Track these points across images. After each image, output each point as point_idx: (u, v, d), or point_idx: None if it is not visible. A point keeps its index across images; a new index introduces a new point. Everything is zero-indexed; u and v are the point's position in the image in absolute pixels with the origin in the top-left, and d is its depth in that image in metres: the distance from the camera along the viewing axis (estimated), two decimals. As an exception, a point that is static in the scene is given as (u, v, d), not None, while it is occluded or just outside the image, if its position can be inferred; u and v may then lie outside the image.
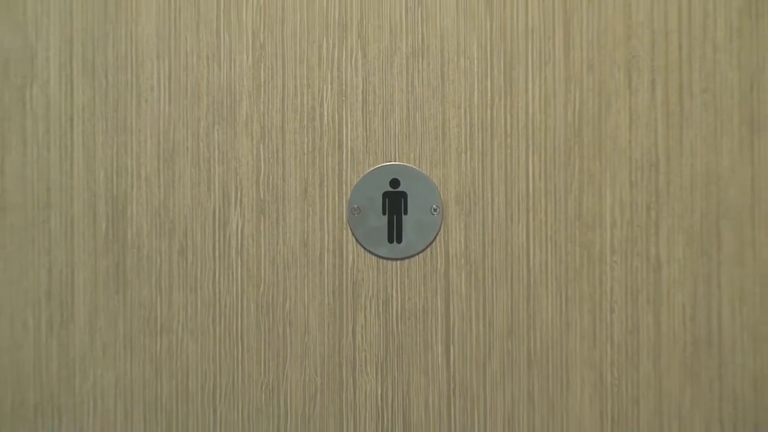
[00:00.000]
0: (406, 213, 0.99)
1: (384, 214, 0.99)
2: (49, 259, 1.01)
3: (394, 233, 0.99)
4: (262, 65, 0.99)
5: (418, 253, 0.99)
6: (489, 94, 0.99)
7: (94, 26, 1.00)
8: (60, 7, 1.01)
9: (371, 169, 0.99)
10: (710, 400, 0.99)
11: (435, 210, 0.99)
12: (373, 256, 0.99)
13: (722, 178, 0.98)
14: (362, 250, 0.99)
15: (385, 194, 0.99)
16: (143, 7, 1.00)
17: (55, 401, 1.01)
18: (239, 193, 0.99)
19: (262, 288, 0.99)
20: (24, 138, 1.00)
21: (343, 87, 0.99)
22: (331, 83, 0.99)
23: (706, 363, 0.99)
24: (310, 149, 0.99)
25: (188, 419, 1.01)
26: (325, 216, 0.99)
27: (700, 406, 0.99)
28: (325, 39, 0.99)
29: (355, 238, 0.99)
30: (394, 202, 0.99)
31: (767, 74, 0.98)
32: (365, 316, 0.99)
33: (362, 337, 0.99)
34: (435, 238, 0.99)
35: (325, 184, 0.99)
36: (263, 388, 1.00)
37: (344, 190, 0.99)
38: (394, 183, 0.99)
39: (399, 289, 0.99)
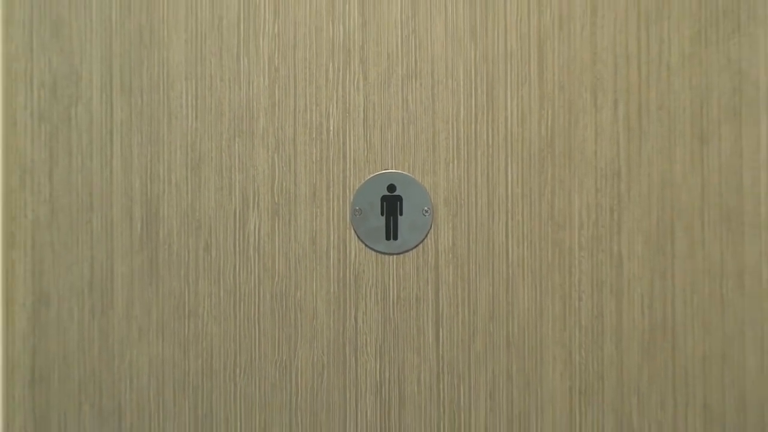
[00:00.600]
0: (401, 214, 1.14)
1: (382, 215, 1.14)
2: (92, 255, 1.16)
3: (391, 232, 1.14)
4: (277, 86, 1.14)
5: (411, 249, 1.14)
6: (473, 111, 1.13)
7: (131, 52, 1.15)
8: (101, 35, 1.16)
9: (371, 176, 1.13)
10: (665, 378, 1.13)
11: (426, 211, 1.13)
12: (373, 252, 1.14)
13: (675, 184, 1.13)
14: (363, 246, 1.14)
15: (383, 198, 1.13)
16: (173, 36, 1.15)
17: (97, 378, 1.16)
18: (256, 197, 1.14)
19: (276, 279, 1.14)
20: (70, 149, 1.15)
21: (347, 105, 1.14)
22: (336, 101, 1.14)
23: (661, 345, 1.13)
24: (318, 159, 1.14)
25: (212, 393, 1.15)
26: (331, 217, 1.14)
27: (656, 383, 1.13)
28: (331, 63, 1.14)
29: (357, 236, 1.14)
30: (391, 205, 1.14)
31: (714, 94, 1.13)
32: (366, 304, 1.14)
33: (363, 322, 1.14)
34: (426, 235, 1.14)
35: (331, 189, 1.14)
36: (277, 365, 1.15)
37: (347, 194, 1.14)
38: (391, 188, 1.13)
39: (395, 280, 1.14)
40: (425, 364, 1.14)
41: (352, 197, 1.13)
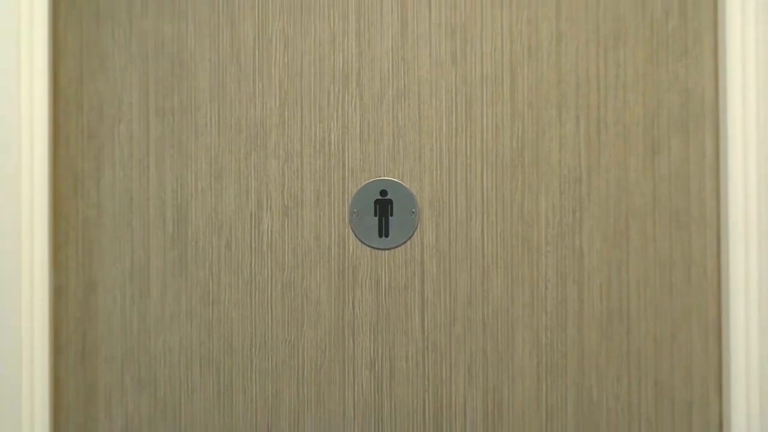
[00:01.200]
0: (392, 215, 1.32)
1: (375, 215, 1.33)
2: (132, 250, 1.37)
3: (383, 230, 1.32)
4: (286, 107, 1.34)
5: (400, 245, 1.33)
6: (454, 126, 1.32)
7: (164, 80, 1.36)
8: (139, 65, 1.37)
9: (366, 182, 1.33)
10: (620, 357, 1.30)
11: (413, 213, 1.32)
12: (368, 247, 1.33)
13: (630, 189, 1.30)
14: (360, 242, 1.33)
15: (377, 201, 1.32)
16: (199, 65, 1.36)
17: (135, 356, 1.37)
18: (269, 201, 1.34)
19: (285, 271, 1.34)
20: (113, 162, 1.37)
21: (346, 122, 1.33)
22: (337, 119, 1.33)
23: (617, 329, 1.30)
24: (321, 168, 1.33)
25: (232, 369, 1.36)
26: (332, 217, 1.33)
27: (613, 361, 1.30)
28: (332, 86, 1.34)
29: (354, 234, 1.33)
30: (383, 207, 1.33)
31: (664, 110, 1.30)
32: (361, 292, 1.33)
33: (359, 308, 1.33)
34: (413, 233, 1.32)
35: (332, 193, 1.33)
36: (287, 344, 1.34)
37: (346, 198, 1.33)
38: (383, 193, 1.32)
39: (386, 272, 1.32)
40: (412, 344, 1.32)
41: (350, 201, 1.33)
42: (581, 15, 1.31)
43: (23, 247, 1.31)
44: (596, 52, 1.31)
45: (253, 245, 1.34)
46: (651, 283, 1.29)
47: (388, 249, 1.32)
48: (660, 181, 1.29)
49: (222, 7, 1.36)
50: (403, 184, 1.32)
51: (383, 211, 1.33)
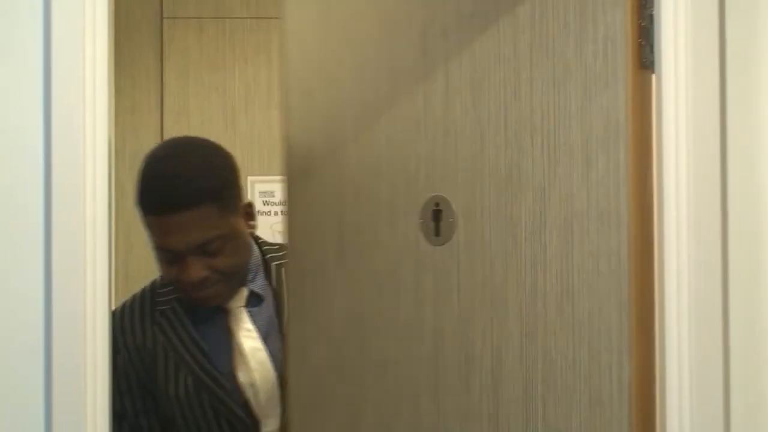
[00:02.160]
0: (441, 220, 1.91)
1: (432, 221, 1.92)
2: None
3: (437, 231, 1.92)
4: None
5: (447, 242, 1.90)
6: (472, 156, 1.85)
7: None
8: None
9: (426, 198, 1.94)
10: (568, 326, 1.68)
11: (452, 220, 1.88)
12: (430, 244, 1.93)
13: (573, 195, 1.67)
14: (425, 240, 1.94)
15: (433, 211, 1.92)
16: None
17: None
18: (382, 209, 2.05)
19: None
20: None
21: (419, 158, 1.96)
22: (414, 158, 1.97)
23: (566, 305, 1.68)
24: (406, 190, 1.99)
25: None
26: (410, 223, 1.98)
27: (563, 329, 1.68)
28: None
29: (422, 235, 1.95)
30: (437, 215, 1.92)
31: (595, 133, 1.64)
32: (426, 272, 1.94)
33: (426, 282, 1.94)
34: (454, 234, 1.89)
35: (412, 206, 1.98)
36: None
37: (417, 210, 1.96)
38: (437, 204, 1.91)
39: (440, 260, 1.91)
40: (453, 307, 1.89)
41: (419, 213, 1.96)
42: (545, 62, 1.73)
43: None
44: (553, 90, 1.71)
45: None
46: (586, 269, 1.65)
47: (441, 245, 1.91)
48: (592, 189, 1.64)
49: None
50: (448, 199, 1.90)
51: (436, 218, 1.91)
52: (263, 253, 2.05)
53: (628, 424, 1.57)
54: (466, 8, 1.84)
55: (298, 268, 2.07)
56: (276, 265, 2.04)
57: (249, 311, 1.96)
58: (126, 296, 2.71)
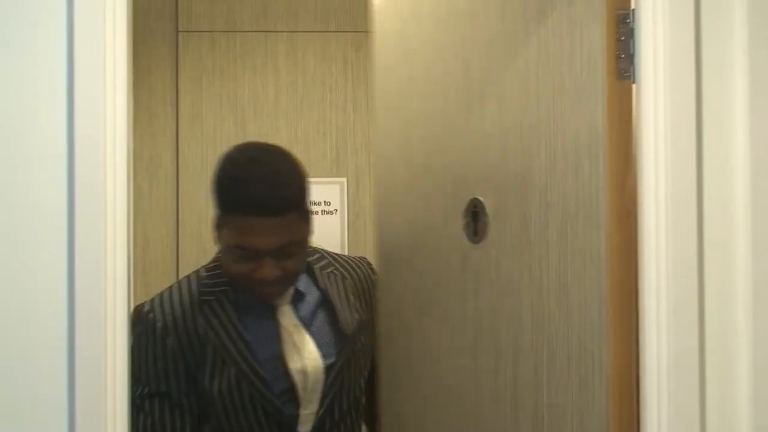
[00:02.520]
0: (478, 220, 2.03)
1: (472, 221, 2.05)
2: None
3: (476, 230, 2.04)
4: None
5: (483, 240, 2.04)
6: (496, 166, 1.97)
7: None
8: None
9: (467, 200, 2.06)
10: (563, 305, 1.80)
11: (486, 221, 2.00)
12: (470, 242, 2.07)
13: (567, 195, 1.80)
14: (466, 237, 2.07)
15: (472, 212, 2.05)
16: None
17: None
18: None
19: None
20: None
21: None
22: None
23: (562, 292, 1.80)
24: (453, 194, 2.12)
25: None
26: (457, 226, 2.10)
27: (561, 306, 1.80)
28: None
29: (465, 234, 2.07)
30: (475, 216, 2.04)
31: (583, 140, 1.76)
32: (469, 264, 2.09)
33: (469, 271, 2.07)
34: (488, 232, 2.01)
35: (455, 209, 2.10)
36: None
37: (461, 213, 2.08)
38: (475, 206, 2.03)
39: (478, 257, 2.05)
40: (489, 289, 2.05)
41: (462, 215, 2.09)
42: (547, 76, 1.86)
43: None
44: (553, 101, 1.84)
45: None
46: (576, 265, 1.79)
47: (477, 244, 2.07)
48: (579, 191, 1.77)
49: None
50: (483, 201, 2.03)
51: (474, 218, 2.05)
52: None
53: (606, 407, 1.69)
54: (498, 49, 2.06)
55: (385, 269, 2.41)
56: (318, 268, 2.19)
57: (293, 307, 2.10)
58: (144, 288, 2.87)
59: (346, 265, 2.26)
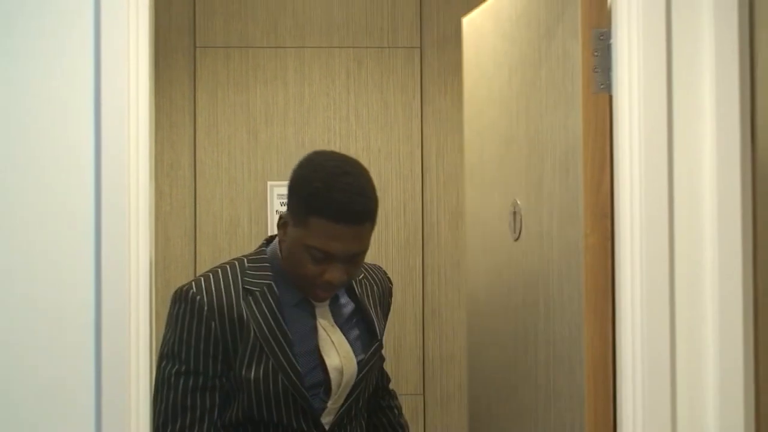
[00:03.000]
0: (516, 220, 2.21)
1: (513, 220, 2.23)
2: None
3: (515, 228, 2.23)
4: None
5: (517, 239, 2.23)
6: (518, 175, 2.13)
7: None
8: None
9: (511, 200, 2.24)
10: (563, 289, 1.96)
11: (521, 220, 2.16)
12: (512, 239, 2.27)
13: (560, 193, 1.94)
14: (510, 232, 2.26)
15: (512, 213, 2.23)
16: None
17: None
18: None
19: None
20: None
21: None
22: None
23: (555, 277, 1.95)
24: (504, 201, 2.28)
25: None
26: (504, 224, 2.26)
27: (564, 291, 1.96)
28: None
29: (509, 231, 2.26)
30: (514, 215, 2.23)
31: (570, 146, 1.91)
32: (504, 258, 2.26)
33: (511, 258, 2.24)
34: (522, 229, 2.20)
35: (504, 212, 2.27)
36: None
37: (507, 212, 2.24)
38: (514, 207, 2.20)
39: (516, 252, 2.24)
40: (520, 292, 2.25)
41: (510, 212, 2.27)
42: (551, 91, 2.04)
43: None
44: (554, 112, 2.00)
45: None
46: (566, 260, 1.99)
47: (516, 241, 2.27)
48: (565, 193, 1.93)
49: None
50: (519, 202, 2.22)
51: (514, 217, 2.26)
52: None
53: (585, 387, 1.89)
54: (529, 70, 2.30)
55: (472, 263, 2.70)
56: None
57: (330, 308, 2.19)
58: (164, 283, 3.03)
59: (370, 273, 2.34)
